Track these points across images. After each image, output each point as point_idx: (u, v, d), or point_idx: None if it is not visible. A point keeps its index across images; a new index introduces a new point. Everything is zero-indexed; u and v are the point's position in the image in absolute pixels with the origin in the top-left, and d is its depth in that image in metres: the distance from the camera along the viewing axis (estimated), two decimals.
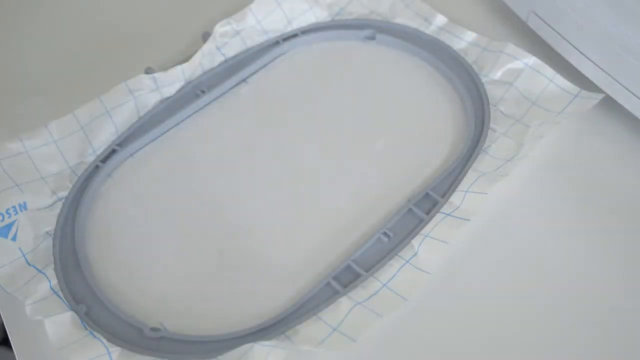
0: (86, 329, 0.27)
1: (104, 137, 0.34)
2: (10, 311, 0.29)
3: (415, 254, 0.28)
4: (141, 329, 0.27)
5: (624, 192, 0.31)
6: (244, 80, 0.37)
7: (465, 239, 0.29)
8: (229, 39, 0.37)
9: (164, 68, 0.35)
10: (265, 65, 0.38)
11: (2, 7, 0.43)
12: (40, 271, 0.29)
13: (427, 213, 0.30)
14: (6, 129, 0.35)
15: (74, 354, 0.26)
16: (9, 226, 0.30)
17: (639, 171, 0.32)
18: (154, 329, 0.27)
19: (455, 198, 0.30)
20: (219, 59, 0.37)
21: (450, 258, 0.29)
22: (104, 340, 0.27)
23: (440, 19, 0.38)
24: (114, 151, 0.34)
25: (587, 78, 0.33)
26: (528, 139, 0.32)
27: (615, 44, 0.31)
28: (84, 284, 0.29)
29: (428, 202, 0.31)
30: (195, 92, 0.36)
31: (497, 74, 0.35)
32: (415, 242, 0.29)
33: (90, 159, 0.34)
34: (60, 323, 0.27)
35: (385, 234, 0.29)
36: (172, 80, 0.36)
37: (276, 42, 0.39)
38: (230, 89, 0.37)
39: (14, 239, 0.30)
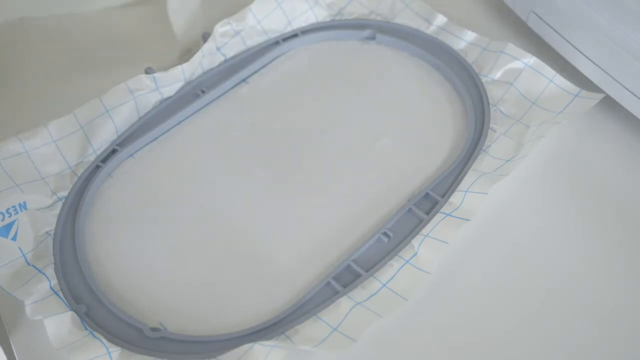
0: (86, 329, 0.27)
1: (104, 137, 0.34)
2: (10, 311, 0.29)
3: (415, 254, 0.28)
4: (141, 329, 0.27)
5: (623, 191, 0.31)
6: (244, 80, 0.38)
7: (465, 239, 0.29)
8: (229, 39, 0.37)
9: (164, 68, 0.35)
10: (265, 65, 0.38)
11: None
12: (40, 271, 0.29)
13: (427, 213, 0.30)
14: (6, 129, 0.35)
15: (74, 354, 0.26)
16: (9, 226, 0.30)
17: (638, 171, 0.32)
18: (154, 329, 0.27)
19: (455, 198, 0.30)
20: (219, 59, 0.38)
21: (450, 258, 0.29)
22: (104, 340, 0.27)
23: (440, 19, 0.38)
24: (114, 151, 0.34)
25: (587, 78, 0.33)
26: (528, 139, 0.32)
27: (615, 44, 0.31)
28: (84, 284, 0.29)
29: (428, 202, 0.31)
30: (195, 92, 0.36)
31: (497, 74, 0.35)
32: (415, 242, 0.29)
33: (90, 159, 0.34)
34: (60, 323, 0.27)
35: (385, 234, 0.29)
36: (172, 80, 0.36)
37: (276, 42, 0.39)
38: (230, 89, 0.37)
39: (14, 238, 0.30)
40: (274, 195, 0.32)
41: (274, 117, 0.36)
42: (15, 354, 0.28)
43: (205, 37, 0.38)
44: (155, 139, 0.35)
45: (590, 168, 0.32)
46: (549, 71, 0.34)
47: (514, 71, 0.35)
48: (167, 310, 0.28)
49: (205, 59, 0.37)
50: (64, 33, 0.41)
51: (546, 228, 0.30)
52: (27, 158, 0.32)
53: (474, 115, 0.34)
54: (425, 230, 0.29)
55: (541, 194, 0.31)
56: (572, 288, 0.28)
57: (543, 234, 0.30)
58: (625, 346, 0.26)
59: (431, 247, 0.28)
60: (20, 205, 0.31)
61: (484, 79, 0.35)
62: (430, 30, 0.38)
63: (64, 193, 0.32)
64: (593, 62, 0.33)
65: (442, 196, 0.31)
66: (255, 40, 0.38)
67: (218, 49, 0.37)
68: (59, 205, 0.32)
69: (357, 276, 0.28)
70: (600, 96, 0.32)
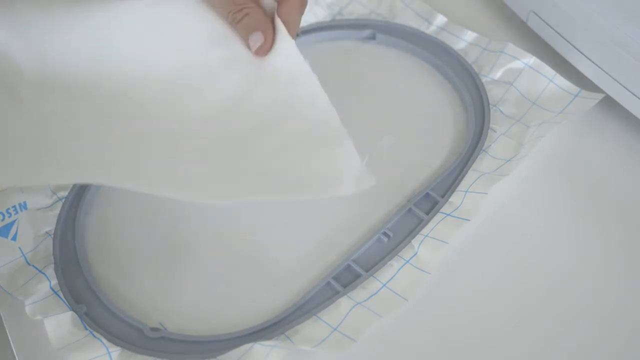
0: (86, 329, 0.27)
1: None
2: (10, 311, 0.29)
3: (415, 254, 0.28)
4: (141, 329, 0.27)
5: (623, 191, 0.31)
6: None
7: (465, 239, 0.29)
8: None
9: None
10: None
11: None
12: (40, 271, 0.29)
13: (427, 213, 0.30)
14: None
15: (74, 354, 0.26)
16: (9, 226, 0.30)
17: (638, 171, 0.32)
18: (154, 329, 0.27)
19: (455, 198, 0.30)
20: None
21: (450, 258, 0.29)
22: (104, 340, 0.27)
23: (440, 19, 0.38)
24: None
25: (587, 78, 0.33)
26: (528, 139, 0.32)
27: (615, 44, 0.31)
28: (84, 284, 0.29)
29: (428, 202, 0.31)
30: None
31: (497, 74, 0.35)
32: (415, 242, 0.29)
33: None
34: (60, 323, 0.27)
35: (385, 234, 0.29)
36: None
37: None
38: None
39: (14, 238, 0.30)
40: None
41: None
42: (15, 354, 0.28)
43: None
44: None
45: (590, 168, 0.32)
46: (549, 71, 0.34)
47: (514, 71, 0.35)
48: (167, 310, 0.28)
49: None
50: None
51: (546, 228, 0.30)
52: None
53: (474, 116, 0.34)
54: (425, 230, 0.29)
55: (541, 194, 0.31)
56: (572, 288, 0.28)
57: (543, 234, 0.30)
58: (625, 346, 0.26)
59: (431, 247, 0.28)
60: (20, 205, 0.31)
61: (484, 79, 0.35)
62: (430, 30, 0.38)
63: (64, 193, 0.32)
64: (593, 62, 0.33)
65: (442, 196, 0.31)
66: None
67: None
68: (59, 205, 0.32)
69: (357, 276, 0.28)
70: (600, 96, 0.32)
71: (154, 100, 0.29)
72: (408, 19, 0.39)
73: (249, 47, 0.29)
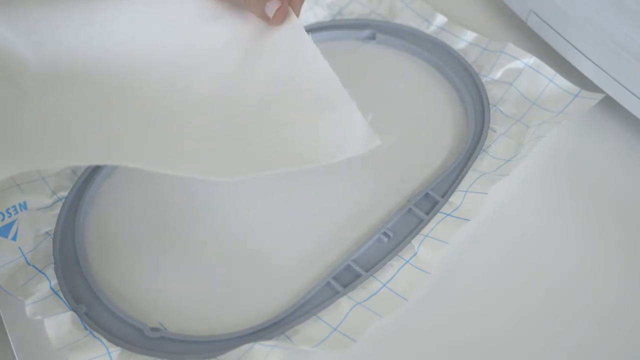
0: (86, 329, 0.27)
1: None
2: (10, 311, 0.29)
3: (415, 254, 0.28)
4: (141, 329, 0.27)
5: (623, 191, 0.31)
6: None
7: (465, 239, 0.29)
8: None
9: None
10: None
11: None
12: (40, 271, 0.29)
13: (427, 213, 0.30)
14: None
15: (74, 354, 0.26)
16: (9, 226, 0.30)
17: (638, 171, 0.32)
18: (154, 329, 0.27)
19: (455, 198, 0.30)
20: None
21: (450, 258, 0.29)
22: (104, 340, 0.27)
23: (440, 19, 0.38)
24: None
25: (587, 78, 0.33)
26: (528, 139, 0.32)
27: (615, 44, 0.31)
28: (84, 284, 0.29)
29: (428, 202, 0.31)
30: None
31: (497, 74, 0.35)
32: (415, 242, 0.29)
33: None
34: (60, 323, 0.27)
35: (385, 234, 0.29)
36: None
37: None
38: None
39: (14, 238, 0.30)
40: (274, 195, 0.32)
41: None
42: (15, 354, 0.28)
43: None
44: None
45: (590, 168, 0.32)
46: (549, 71, 0.34)
47: (514, 71, 0.35)
48: (167, 310, 0.28)
49: None
50: None
51: (546, 228, 0.30)
52: None
53: (474, 115, 0.34)
54: (425, 230, 0.29)
55: (541, 194, 0.31)
56: (572, 288, 0.28)
57: (543, 234, 0.30)
58: (625, 346, 0.26)
59: (431, 247, 0.28)
60: (20, 205, 0.31)
61: (484, 79, 0.35)
62: (430, 30, 0.38)
63: (64, 193, 0.32)
64: (593, 62, 0.33)
65: (442, 196, 0.31)
66: None
67: None
68: (59, 205, 0.32)
69: (357, 276, 0.28)
70: (600, 96, 0.32)
71: (159, 84, 0.30)
72: (408, 19, 0.39)
73: (263, 18, 0.30)
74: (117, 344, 0.27)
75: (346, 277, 0.29)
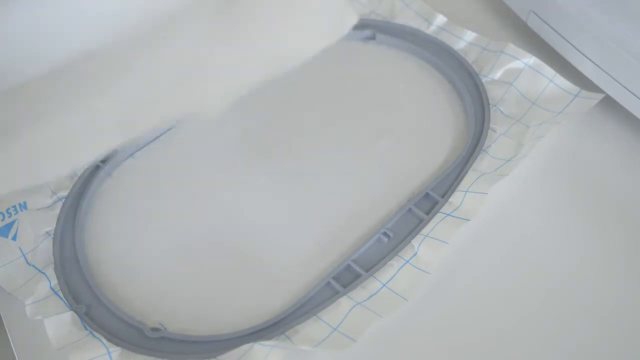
0: (86, 329, 0.27)
1: None
2: (10, 311, 0.29)
3: (415, 254, 0.28)
4: (141, 329, 0.27)
5: (623, 191, 0.31)
6: None
7: (465, 239, 0.29)
8: None
9: None
10: None
11: None
12: (40, 271, 0.29)
13: (427, 213, 0.30)
14: None
15: (74, 353, 0.26)
16: (9, 226, 0.30)
17: (638, 171, 0.32)
18: (154, 329, 0.27)
19: (455, 198, 0.30)
20: None
21: (450, 258, 0.29)
22: (104, 340, 0.27)
23: (440, 19, 0.38)
24: (114, 151, 0.34)
25: (587, 78, 0.33)
26: (528, 139, 0.32)
27: (616, 44, 0.31)
28: (84, 284, 0.29)
29: (428, 202, 0.31)
30: None
31: (497, 74, 0.35)
32: (415, 242, 0.29)
33: None
34: (60, 323, 0.27)
35: (385, 234, 0.29)
36: None
37: None
38: None
39: (14, 238, 0.30)
40: (274, 195, 0.32)
41: (274, 117, 0.36)
42: (15, 354, 0.28)
43: None
44: (155, 139, 0.35)
45: (590, 168, 0.32)
46: (549, 71, 0.34)
47: (514, 71, 0.35)
48: (167, 310, 0.28)
49: None
50: None
51: (546, 228, 0.30)
52: None
53: (474, 115, 0.34)
54: (425, 230, 0.29)
55: (541, 194, 0.31)
56: (572, 288, 0.28)
57: (543, 234, 0.30)
58: (625, 346, 0.26)
59: (431, 247, 0.28)
60: (20, 205, 0.31)
61: (484, 79, 0.35)
62: (430, 30, 0.38)
63: (64, 193, 0.32)
64: (593, 62, 0.33)
65: (442, 196, 0.31)
66: None
67: None
68: (59, 205, 0.32)
69: (357, 276, 0.28)
70: (600, 96, 0.32)
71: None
72: (408, 19, 0.39)
73: None
74: (117, 344, 0.27)
75: (346, 277, 0.29)
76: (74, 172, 0.33)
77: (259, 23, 0.25)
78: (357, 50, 0.39)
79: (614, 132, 0.33)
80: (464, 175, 0.31)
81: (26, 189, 0.24)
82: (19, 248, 0.30)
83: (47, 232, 0.31)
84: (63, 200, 0.32)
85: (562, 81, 0.33)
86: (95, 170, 0.33)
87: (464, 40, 0.37)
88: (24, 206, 0.31)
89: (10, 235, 0.30)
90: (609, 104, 0.33)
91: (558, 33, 0.34)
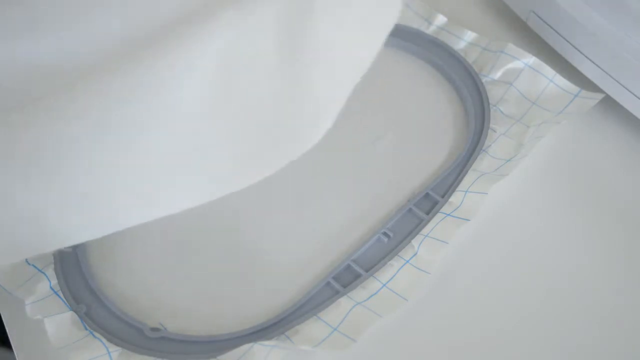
0: (86, 329, 0.27)
1: None
2: (10, 311, 0.29)
3: (415, 254, 0.28)
4: (141, 329, 0.27)
5: (623, 191, 0.31)
6: None
7: (465, 239, 0.29)
8: None
9: None
10: None
11: None
12: (40, 270, 0.29)
13: (427, 213, 0.30)
14: None
15: (74, 353, 0.26)
16: None
17: (638, 171, 0.32)
18: (154, 329, 0.27)
19: (455, 198, 0.30)
20: None
21: (450, 258, 0.29)
22: (104, 340, 0.27)
23: (440, 19, 0.38)
24: None
25: (587, 78, 0.33)
26: (528, 139, 0.32)
27: (616, 44, 0.31)
28: (84, 284, 0.29)
29: (428, 202, 0.31)
30: None
31: (497, 74, 0.35)
32: (415, 242, 0.29)
33: None
34: (60, 323, 0.27)
35: (385, 234, 0.29)
36: None
37: None
38: None
39: None
40: (274, 195, 0.32)
41: None
42: (15, 353, 0.28)
43: None
44: None
45: (590, 168, 0.32)
46: (549, 71, 0.34)
47: (514, 71, 0.35)
48: (167, 310, 0.28)
49: None
50: None
51: (546, 228, 0.30)
52: None
53: (474, 115, 0.34)
54: (425, 230, 0.29)
55: (541, 194, 0.31)
56: (572, 288, 0.28)
57: (543, 234, 0.30)
58: (625, 346, 0.26)
59: (431, 247, 0.28)
60: None
61: (484, 79, 0.35)
62: (430, 30, 0.38)
63: None
64: (593, 62, 0.33)
65: (442, 196, 0.31)
66: None
67: None
68: None
69: (357, 276, 0.28)
70: (600, 96, 0.32)
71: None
72: (408, 19, 0.39)
73: None
74: (117, 344, 0.27)
75: (346, 277, 0.29)
76: None
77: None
78: None
79: (614, 132, 0.33)
80: (464, 175, 0.31)
81: None
82: None
83: None
84: None
85: (562, 81, 0.33)
86: None
87: (464, 40, 0.37)
88: None
89: None
90: (609, 104, 0.33)
91: (558, 33, 0.34)
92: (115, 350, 0.26)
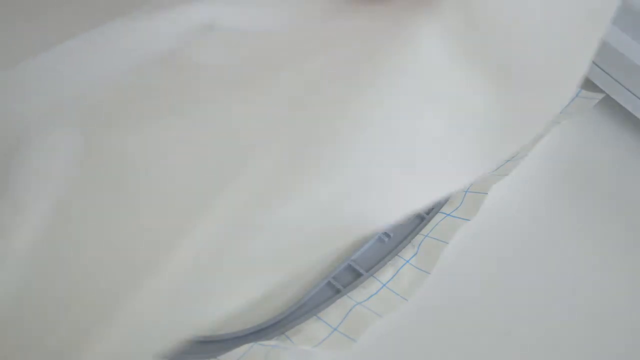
0: None
1: None
2: None
3: (416, 254, 0.28)
4: None
5: (623, 191, 0.31)
6: None
7: (465, 239, 0.29)
8: None
9: None
10: None
11: None
12: None
13: (427, 213, 0.30)
14: None
15: None
16: None
17: (638, 171, 0.32)
18: None
19: (455, 198, 0.30)
20: None
21: (450, 258, 0.29)
22: None
23: None
24: None
25: (587, 78, 0.33)
26: None
27: (615, 44, 0.31)
28: None
29: None
30: None
31: None
32: (415, 242, 0.29)
33: None
34: None
35: (385, 234, 0.29)
36: None
37: None
38: None
39: None
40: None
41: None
42: None
43: None
44: None
45: (590, 168, 0.32)
46: None
47: None
48: None
49: None
50: None
51: (546, 228, 0.30)
52: None
53: None
54: (425, 230, 0.29)
55: (541, 194, 0.31)
56: (572, 288, 0.28)
57: (543, 233, 0.30)
58: (625, 346, 0.26)
59: (431, 247, 0.28)
60: None
61: None
62: None
63: None
64: (593, 62, 0.33)
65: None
66: None
67: None
68: None
69: (357, 276, 0.28)
70: (600, 96, 0.32)
71: None
72: None
73: None
74: None
75: (346, 277, 0.29)
76: None
77: None
78: None
79: (614, 132, 0.33)
80: None
81: None
82: None
83: None
84: None
85: None
86: None
87: None
88: None
89: None
90: (609, 104, 0.33)
91: None
92: None
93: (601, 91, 0.33)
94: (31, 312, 0.18)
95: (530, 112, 0.22)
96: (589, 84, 0.33)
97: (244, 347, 0.26)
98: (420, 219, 0.30)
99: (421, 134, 0.21)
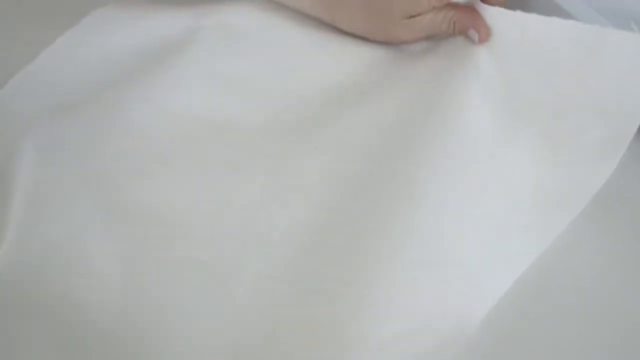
0: None
1: None
2: None
3: None
4: None
5: (624, 192, 0.31)
6: None
7: None
8: None
9: None
10: None
11: None
12: None
13: None
14: None
15: None
16: None
17: (638, 171, 0.32)
18: None
19: None
20: None
21: None
22: None
23: None
24: None
25: None
26: None
27: None
28: None
29: None
30: None
31: None
32: None
33: None
34: None
35: None
36: None
37: None
38: None
39: None
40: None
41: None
42: None
43: None
44: None
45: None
46: None
47: None
48: None
49: None
50: None
51: None
52: None
53: None
54: None
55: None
56: (571, 288, 0.28)
57: None
58: (625, 346, 0.26)
59: None
60: None
61: None
62: None
63: None
64: None
65: None
66: None
67: None
68: None
69: None
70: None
71: None
72: None
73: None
74: None
75: None
76: None
77: None
78: None
79: None
80: None
81: None
82: None
83: None
84: None
85: None
86: None
87: None
88: None
89: None
90: None
91: None
92: None
93: None
94: None
95: (582, 178, 0.24)
96: None
97: None
98: None
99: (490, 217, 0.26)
